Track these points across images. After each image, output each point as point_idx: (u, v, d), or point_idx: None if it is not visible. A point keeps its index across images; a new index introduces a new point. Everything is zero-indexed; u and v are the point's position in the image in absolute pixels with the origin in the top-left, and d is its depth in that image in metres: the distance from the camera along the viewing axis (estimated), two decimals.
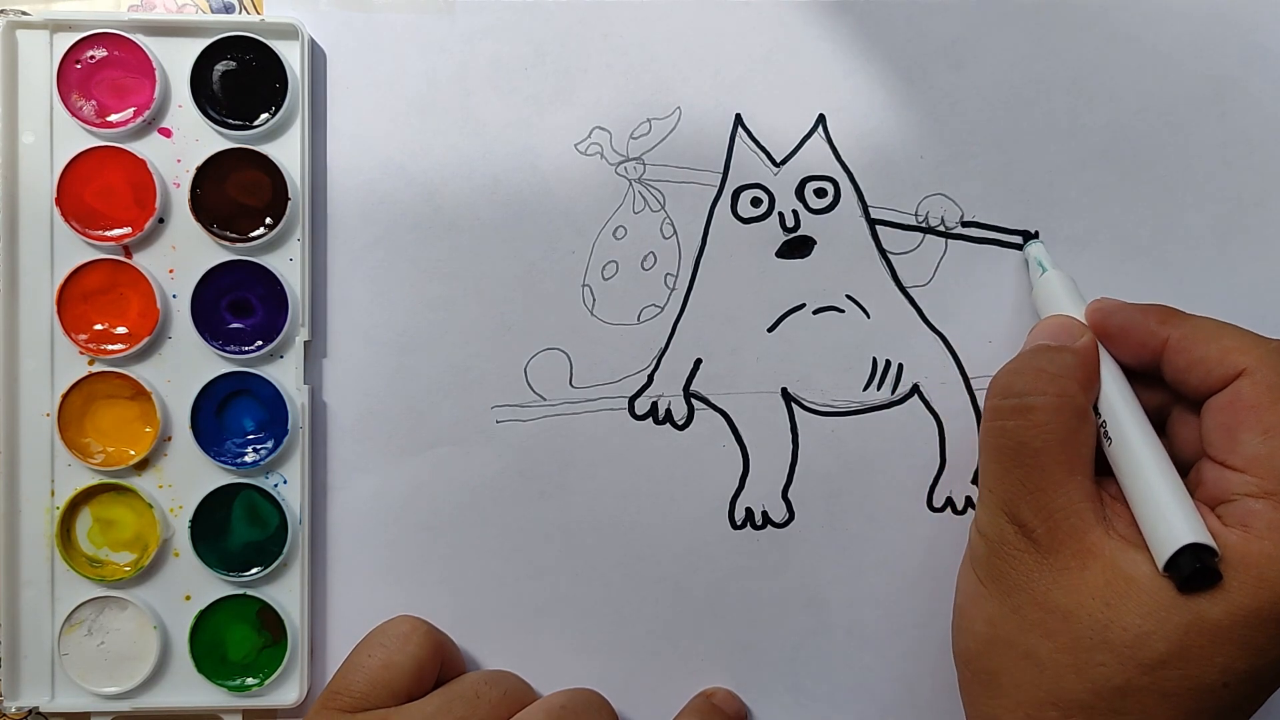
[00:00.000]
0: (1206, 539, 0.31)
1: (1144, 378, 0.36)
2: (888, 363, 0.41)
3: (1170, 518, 0.31)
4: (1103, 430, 0.35)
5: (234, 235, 0.40)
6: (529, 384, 0.41)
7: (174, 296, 0.40)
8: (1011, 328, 0.41)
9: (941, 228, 0.41)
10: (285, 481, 0.40)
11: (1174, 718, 0.31)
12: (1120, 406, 0.35)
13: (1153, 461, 0.33)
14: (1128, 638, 0.31)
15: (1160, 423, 0.36)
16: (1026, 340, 0.37)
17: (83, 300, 0.39)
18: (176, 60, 0.40)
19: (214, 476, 0.40)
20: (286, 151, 0.40)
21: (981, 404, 0.40)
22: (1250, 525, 0.31)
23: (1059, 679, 0.32)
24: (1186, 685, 0.30)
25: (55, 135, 0.40)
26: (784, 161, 0.41)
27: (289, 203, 0.39)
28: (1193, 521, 0.31)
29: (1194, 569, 0.30)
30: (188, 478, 0.40)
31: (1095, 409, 0.35)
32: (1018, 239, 0.41)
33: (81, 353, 0.40)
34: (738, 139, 0.41)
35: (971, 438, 0.41)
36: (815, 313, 0.41)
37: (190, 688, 0.40)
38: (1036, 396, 0.33)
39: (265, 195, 0.40)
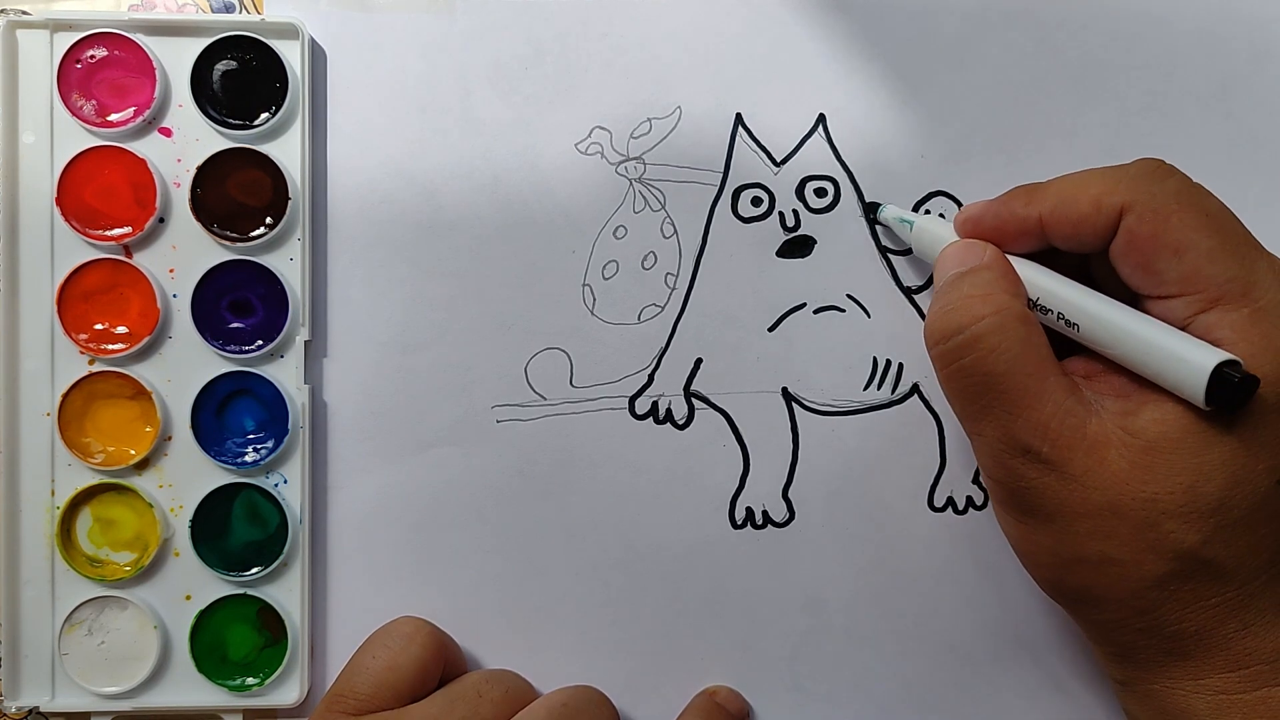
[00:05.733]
0: (1225, 354, 0.30)
1: None
2: (888, 362, 0.41)
3: (1185, 354, 0.31)
4: (1063, 322, 0.34)
5: (234, 235, 0.40)
6: (529, 384, 0.41)
7: (174, 296, 0.40)
8: None
9: None
10: (285, 481, 0.40)
11: (1254, 539, 0.31)
12: (1063, 290, 0.34)
13: (1128, 319, 0.33)
14: (1178, 498, 0.31)
15: None
16: (936, 285, 0.36)
17: (83, 300, 0.40)
18: (177, 60, 0.40)
19: (214, 476, 0.40)
20: (287, 151, 0.40)
21: None
22: (1218, 335, 0.32)
23: (1140, 566, 0.32)
24: (1250, 503, 0.31)
25: (55, 135, 0.40)
26: (784, 161, 0.41)
27: (289, 202, 0.39)
28: (1204, 346, 0.31)
29: (1236, 381, 0.30)
30: (188, 477, 0.40)
31: (1039, 306, 0.34)
32: None
33: (82, 352, 0.40)
34: (738, 138, 0.40)
35: None
36: (816, 312, 0.41)
37: (190, 687, 0.40)
38: (977, 324, 0.33)
39: (265, 195, 0.40)
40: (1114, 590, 0.32)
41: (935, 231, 0.38)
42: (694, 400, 0.41)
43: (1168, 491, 0.31)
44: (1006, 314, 0.33)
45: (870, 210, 0.40)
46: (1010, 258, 0.35)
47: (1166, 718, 0.34)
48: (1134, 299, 0.34)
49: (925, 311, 0.41)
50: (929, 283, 0.41)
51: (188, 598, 0.40)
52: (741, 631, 0.41)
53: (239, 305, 0.40)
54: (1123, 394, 0.33)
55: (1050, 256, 0.35)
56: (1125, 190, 0.33)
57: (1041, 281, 0.35)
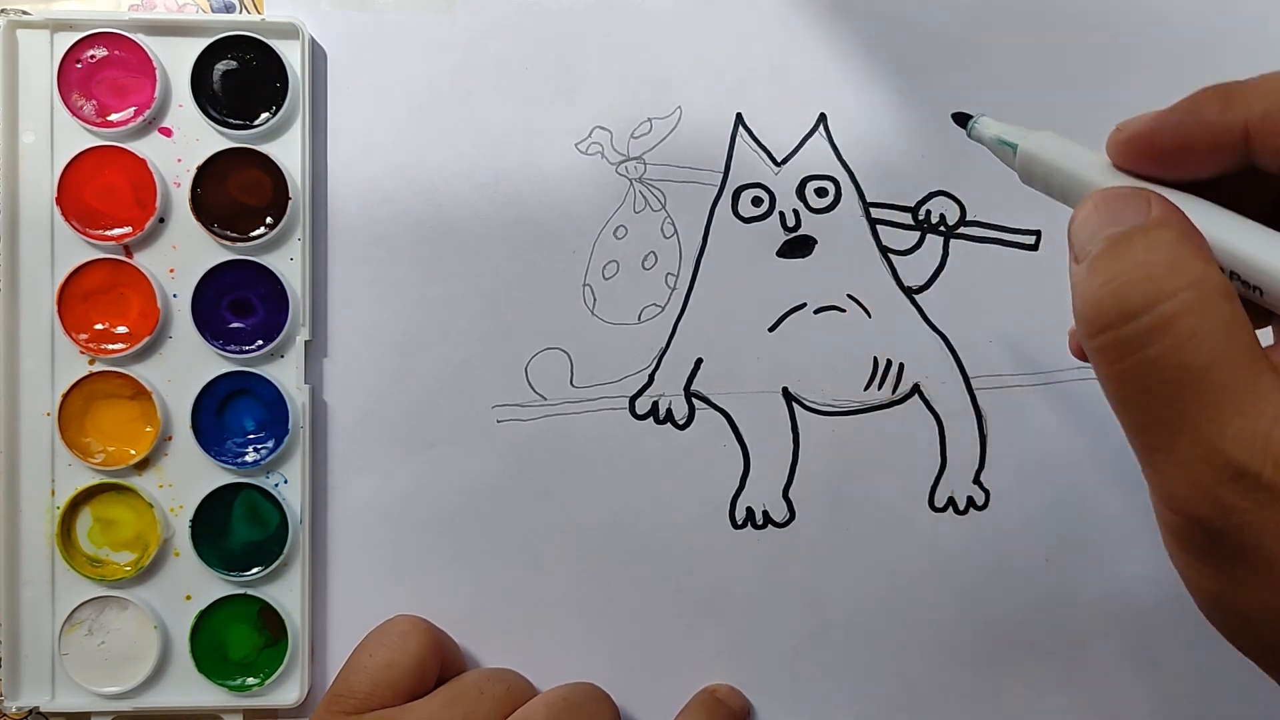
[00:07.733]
0: None
1: None
2: (888, 362, 0.41)
3: None
4: (1258, 294, 0.25)
5: (234, 235, 0.40)
6: (529, 384, 0.41)
7: (174, 296, 0.40)
8: (1012, 327, 0.40)
9: (943, 227, 0.41)
10: (286, 481, 0.40)
11: None
12: (1270, 252, 0.25)
13: None
14: None
15: None
16: (1074, 248, 0.26)
17: (83, 300, 0.39)
18: (177, 60, 0.40)
19: (214, 476, 0.40)
20: (287, 151, 0.40)
21: (982, 404, 0.40)
22: None
23: None
24: None
25: (56, 135, 0.40)
26: (785, 161, 0.41)
27: (289, 202, 0.39)
28: None
29: None
30: (188, 477, 0.40)
31: (1235, 274, 0.25)
32: (1020, 238, 0.40)
33: (82, 352, 0.40)
34: (738, 138, 0.40)
35: (972, 437, 0.41)
36: (816, 312, 0.41)
37: (191, 687, 0.40)
38: (1168, 301, 0.23)
39: (266, 195, 0.40)
40: None
41: (1065, 162, 0.27)
42: (694, 400, 0.41)
43: None
44: (1205, 287, 0.24)
45: (960, 121, 0.32)
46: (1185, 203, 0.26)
47: None
48: None
49: (925, 312, 0.41)
50: (929, 282, 0.41)
51: (188, 598, 0.40)
52: (741, 631, 0.41)
53: (239, 305, 0.40)
54: None
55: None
56: None
57: (1234, 244, 0.25)
